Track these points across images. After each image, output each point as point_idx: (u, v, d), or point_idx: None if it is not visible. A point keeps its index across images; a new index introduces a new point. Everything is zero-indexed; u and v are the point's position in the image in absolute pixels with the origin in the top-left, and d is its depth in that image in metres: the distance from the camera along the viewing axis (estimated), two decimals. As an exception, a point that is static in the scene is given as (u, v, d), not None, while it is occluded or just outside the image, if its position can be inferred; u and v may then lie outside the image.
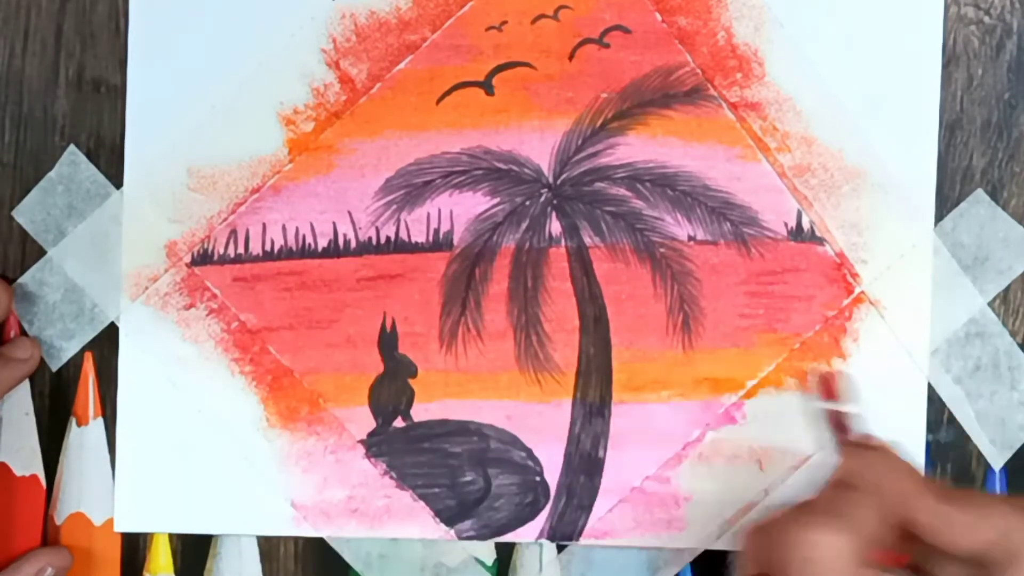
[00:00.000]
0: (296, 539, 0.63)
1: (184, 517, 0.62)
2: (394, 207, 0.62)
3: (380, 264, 0.62)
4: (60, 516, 0.62)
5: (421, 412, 0.62)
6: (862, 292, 0.61)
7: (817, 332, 0.61)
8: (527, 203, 0.62)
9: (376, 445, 0.62)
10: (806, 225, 0.61)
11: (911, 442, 0.61)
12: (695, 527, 0.61)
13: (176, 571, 0.63)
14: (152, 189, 0.62)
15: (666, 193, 0.61)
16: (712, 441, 0.61)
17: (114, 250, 0.62)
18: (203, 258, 0.62)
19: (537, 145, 0.61)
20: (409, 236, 0.62)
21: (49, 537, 0.63)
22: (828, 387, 0.55)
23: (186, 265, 0.62)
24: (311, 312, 0.62)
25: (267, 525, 0.62)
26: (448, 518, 0.62)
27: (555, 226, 0.61)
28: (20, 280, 0.63)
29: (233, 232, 0.62)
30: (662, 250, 0.61)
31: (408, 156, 0.62)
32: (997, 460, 0.62)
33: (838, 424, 0.54)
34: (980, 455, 0.62)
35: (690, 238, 0.61)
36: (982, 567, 0.50)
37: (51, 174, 0.63)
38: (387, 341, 0.62)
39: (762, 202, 0.61)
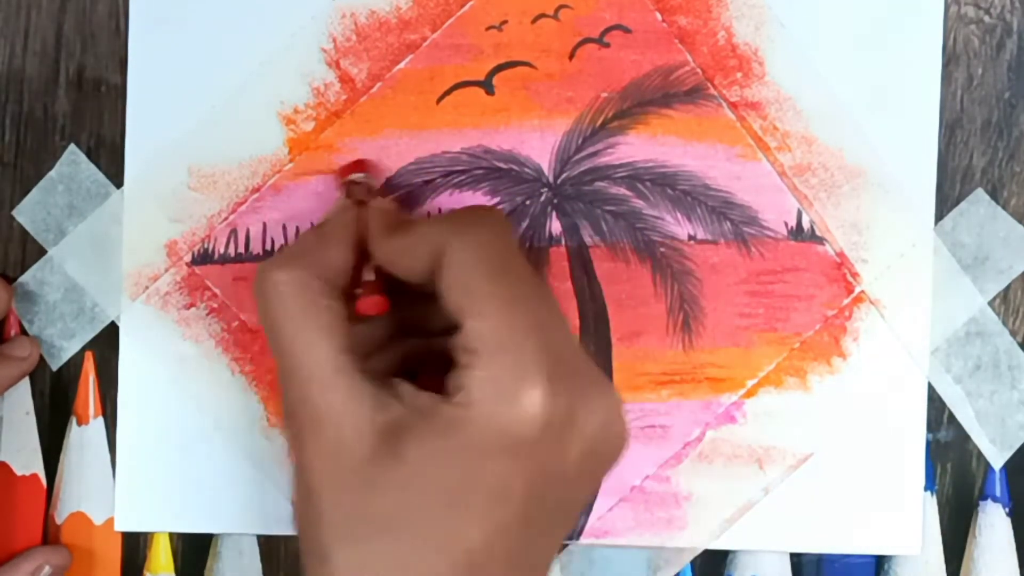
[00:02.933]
0: (296, 538, 0.63)
1: (184, 516, 0.62)
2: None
3: (380, 263, 0.62)
4: (60, 515, 0.63)
5: (421, 411, 0.62)
6: (862, 291, 0.61)
7: (817, 331, 0.61)
8: (527, 202, 0.62)
9: (376, 444, 0.62)
10: (806, 224, 0.61)
11: (911, 442, 0.61)
12: (695, 527, 0.62)
13: (176, 571, 0.63)
14: (152, 188, 0.62)
15: (666, 192, 0.61)
16: (712, 441, 0.62)
17: (114, 249, 0.62)
18: (203, 257, 0.62)
19: (537, 144, 0.61)
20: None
21: (49, 536, 0.63)
22: (348, 169, 0.59)
23: (186, 264, 0.62)
24: (311, 311, 0.62)
25: (268, 524, 0.62)
26: (448, 517, 0.62)
27: (555, 225, 0.61)
28: (20, 280, 0.63)
29: (233, 231, 0.62)
30: (662, 249, 0.61)
31: (408, 155, 0.62)
32: (997, 459, 0.62)
33: (348, 187, 0.58)
34: (980, 455, 0.62)
35: (690, 237, 0.61)
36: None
37: (51, 174, 0.63)
38: (387, 340, 0.62)
39: (762, 201, 0.61)
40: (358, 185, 0.58)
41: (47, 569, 0.61)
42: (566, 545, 0.62)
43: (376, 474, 0.50)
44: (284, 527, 0.62)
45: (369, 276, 0.54)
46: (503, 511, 0.50)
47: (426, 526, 0.50)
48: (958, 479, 0.62)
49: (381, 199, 0.58)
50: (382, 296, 0.54)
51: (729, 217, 0.61)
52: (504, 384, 0.49)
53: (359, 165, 0.60)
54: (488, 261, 0.51)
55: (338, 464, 0.50)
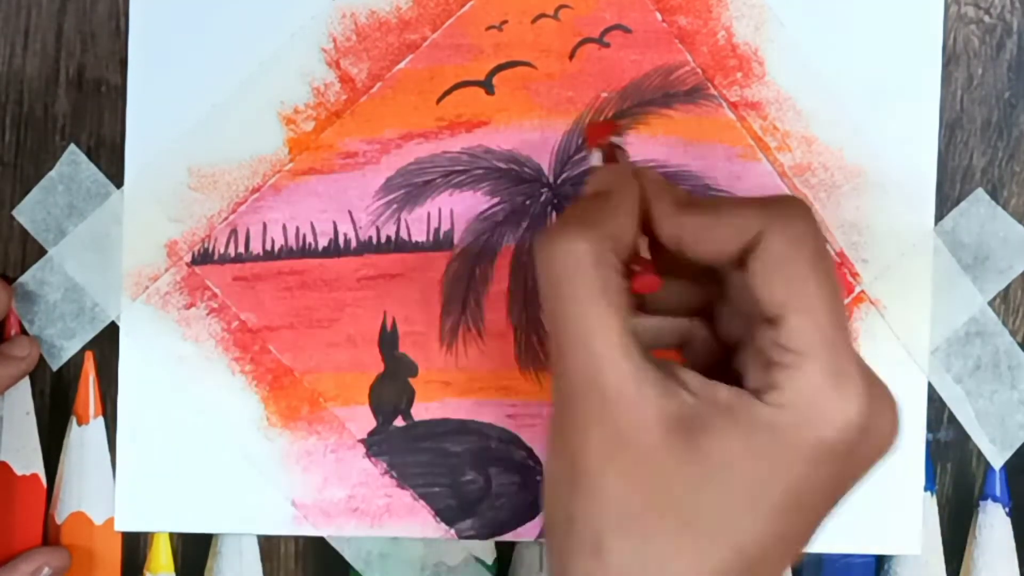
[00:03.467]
0: (296, 538, 0.63)
1: (184, 516, 0.62)
2: (394, 206, 0.62)
3: (380, 263, 0.62)
4: (60, 515, 0.63)
5: (421, 411, 0.62)
6: (862, 291, 0.61)
7: (817, 331, 0.61)
8: (527, 202, 0.62)
9: (376, 444, 0.62)
10: (806, 224, 0.61)
11: (911, 442, 0.61)
12: (695, 526, 0.61)
13: (176, 570, 0.63)
14: (153, 188, 0.62)
15: (666, 192, 0.61)
16: (712, 440, 0.61)
17: (114, 249, 0.62)
18: (203, 257, 0.62)
19: (537, 145, 0.61)
20: (409, 235, 0.62)
21: (50, 536, 0.63)
22: (598, 131, 0.55)
23: (186, 264, 0.62)
24: (311, 311, 0.62)
25: (267, 524, 0.62)
26: (448, 517, 0.62)
27: (555, 225, 0.61)
28: (20, 279, 0.63)
29: (233, 231, 0.62)
30: (662, 249, 0.61)
31: (408, 155, 0.62)
32: (997, 459, 0.62)
33: (607, 148, 0.54)
34: (980, 454, 0.62)
35: (690, 237, 0.61)
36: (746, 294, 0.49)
37: (51, 173, 0.63)
38: (387, 340, 0.62)
39: (762, 201, 0.61)
40: (622, 150, 0.54)
41: (46, 571, 0.61)
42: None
43: (670, 465, 0.47)
44: (284, 526, 0.62)
45: (645, 252, 0.51)
46: (795, 516, 0.48)
47: (714, 523, 0.47)
48: (958, 479, 0.62)
49: (650, 170, 0.54)
50: (657, 275, 0.50)
51: (729, 217, 0.61)
52: (825, 389, 0.47)
53: (612, 127, 0.56)
54: (811, 253, 0.48)
55: (624, 450, 0.47)
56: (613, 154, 0.55)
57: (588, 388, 0.48)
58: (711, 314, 0.53)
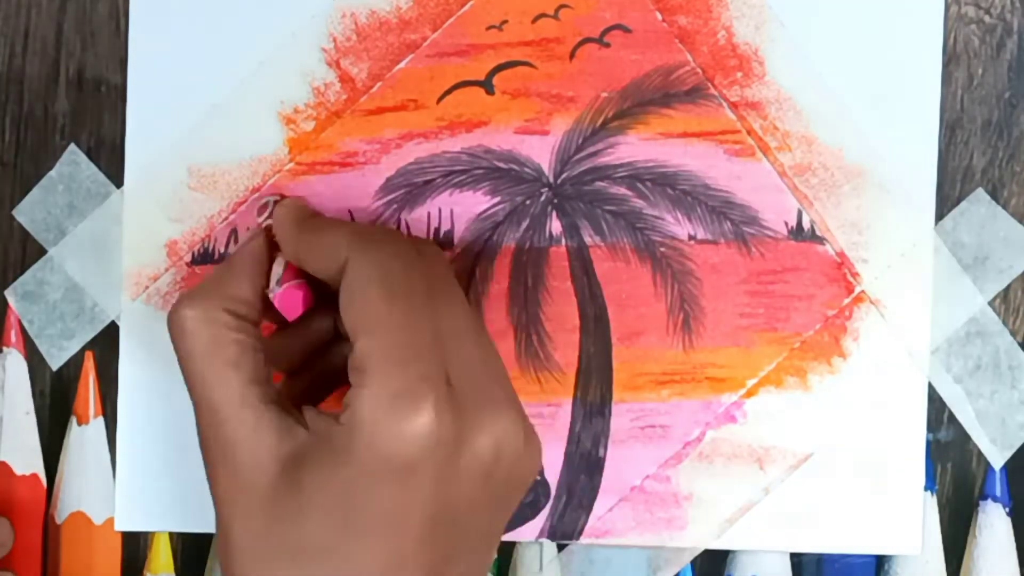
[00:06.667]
0: (296, 538, 0.63)
1: (184, 516, 0.62)
2: (395, 206, 0.62)
3: (380, 263, 0.62)
4: (60, 515, 0.62)
5: (421, 411, 0.62)
6: (862, 291, 0.61)
7: (817, 331, 0.61)
8: (527, 202, 0.62)
9: (376, 444, 0.62)
10: (806, 224, 0.61)
11: (911, 442, 0.61)
12: (695, 526, 0.61)
13: (176, 570, 0.63)
14: (153, 188, 0.62)
15: (666, 192, 0.61)
16: (712, 440, 0.61)
17: (114, 249, 0.62)
18: (204, 257, 0.62)
19: (537, 144, 0.61)
20: (410, 235, 0.62)
21: (50, 536, 0.63)
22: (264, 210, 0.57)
23: (187, 264, 0.62)
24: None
25: (267, 524, 0.62)
26: (448, 517, 0.62)
27: (555, 225, 0.61)
28: (20, 280, 0.63)
29: (234, 231, 0.62)
30: (662, 249, 0.61)
31: (408, 155, 0.62)
32: (997, 459, 0.62)
33: (259, 211, 0.57)
34: (980, 454, 0.62)
35: (690, 237, 0.61)
36: None
37: (51, 173, 0.63)
38: (387, 340, 0.62)
39: (762, 201, 0.61)
40: (266, 207, 0.57)
41: None
42: (566, 545, 0.62)
43: (277, 504, 0.50)
44: (284, 527, 0.62)
45: (278, 268, 0.55)
46: (399, 538, 0.49)
47: (324, 555, 0.49)
48: (958, 479, 0.62)
49: (293, 197, 0.58)
50: (302, 288, 0.55)
51: (729, 217, 0.61)
52: (386, 404, 0.49)
53: (262, 209, 0.59)
54: (385, 280, 0.51)
55: (245, 496, 0.51)
56: (259, 213, 0.57)
57: (213, 441, 0.52)
58: None
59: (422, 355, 0.50)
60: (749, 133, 0.61)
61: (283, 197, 0.58)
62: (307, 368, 0.58)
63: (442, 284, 0.53)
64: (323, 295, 0.55)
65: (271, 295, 0.55)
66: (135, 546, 0.63)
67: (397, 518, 0.49)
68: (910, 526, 0.61)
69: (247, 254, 0.55)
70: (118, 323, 0.62)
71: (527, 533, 0.62)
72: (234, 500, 0.51)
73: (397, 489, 0.49)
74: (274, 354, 0.56)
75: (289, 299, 0.55)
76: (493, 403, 0.51)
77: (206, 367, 0.52)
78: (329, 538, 0.49)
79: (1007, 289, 0.62)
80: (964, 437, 0.62)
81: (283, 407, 0.52)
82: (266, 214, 0.57)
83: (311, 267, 0.54)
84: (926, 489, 0.61)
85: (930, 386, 0.61)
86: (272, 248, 0.56)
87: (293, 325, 0.56)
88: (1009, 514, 0.62)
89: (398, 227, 0.62)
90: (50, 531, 0.63)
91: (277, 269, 0.55)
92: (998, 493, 0.62)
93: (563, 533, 0.62)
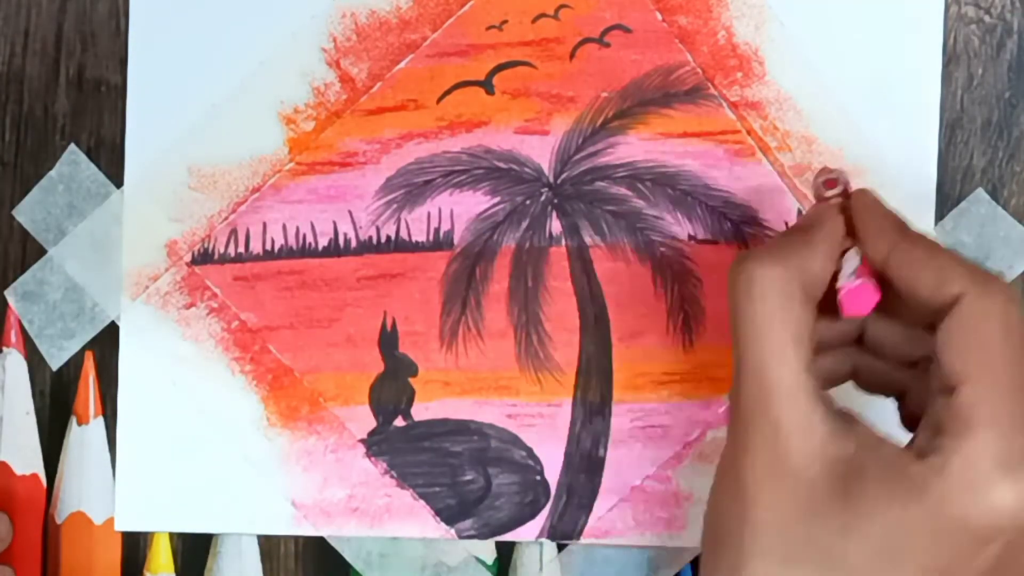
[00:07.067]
0: (296, 538, 0.63)
1: (185, 516, 0.62)
2: (394, 206, 0.62)
3: (380, 263, 0.62)
4: (60, 515, 0.62)
5: (421, 411, 0.62)
6: (862, 291, 0.61)
7: (817, 331, 0.61)
8: (527, 202, 0.62)
9: (376, 444, 0.62)
10: (806, 224, 0.61)
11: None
12: (695, 526, 0.61)
13: (176, 570, 0.63)
14: (152, 188, 0.62)
15: (666, 192, 0.61)
16: (712, 440, 0.61)
17: (114, 249, 0.62)
18: (203, 257, 0.62)
19: (537, 144, 0.61)
20: (409, 235, 0.62)
21: (50, 536, 0.63)
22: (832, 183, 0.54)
23: (186, 264, 0.62)
24: (311, 311, 0.62)
25: (267, 524, 0.62)
26: (448, 517, 0.62)
27: (555, 225, 0.61)
28: (20, 280, 0.63)
29: (233, 231, 0.62)
30: (662, 249, 0.61)
31: (408, 155, 0.62)
32: (997, 459, 0.62)
33: (826, 185, 0.54)
34: (980, 454, 0.62)
35: (691, 237, 0.61)
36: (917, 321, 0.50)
37: (51, 173, 0.63)
38: (387, 340, 0.62)
39: (763, 201, 0.61)
40: (836, 181, 0.54)
41: None
42: (566, 545, 0.62)
43: (822, 505, 0.48)
44: (284, 526, 0.62)
45: (855, 259, 0.52)
46: None
47: (858, 573, 0.48)
48: (958, 479, 0.62)
49: (867, 192, 0.54)
50: (877, 289, 0.51)
51: (729, 217, 0.61)
52: (988, 465, 0.46)
53: (835, 182, 0.55)
54: (1004, 329, 0.48)
55: (783, 481, 0.48)
56: (826, 190, 0.54)
57: (758, 414, 0.49)
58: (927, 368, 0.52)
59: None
60: (749, 133, 0.61)
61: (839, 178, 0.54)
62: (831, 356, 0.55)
63: None
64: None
65: (841, 285, 0.51)
66: (135, 546, 0.63)
67: (942, 571, 0.47)
68: (910, 526, 0.61)
69: (828, 232, 0.52)
70: (118, 323, 0.62)
71: (527, 533, 0.62)
72: (768, 480, 0.49)
73: (964, 550, 0.47)
74: None
75: (861, 296, 0.51)
76: None
77: (768, 336, 0.49)
78: (869, 567, 0.47)
79: (1007, 289, 0.62)
80: (964, 437, 0.62)
81: (832, 406, 0.50)
82: (837, 189, 0.53)
83: (903, 280, 0.50)
84: (926, 489, 0.61)
85: (930, 386, 0.61)
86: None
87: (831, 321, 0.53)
88: (1009, 514, 0.62)
89: (398, 227, 0.62)
90: (50, 531, 0.63)
91: (854, 259, 0.52)
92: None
93: (563, 533, 0.62)
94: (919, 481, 0.47)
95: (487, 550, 0.63)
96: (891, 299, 0.51)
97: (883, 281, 0.51)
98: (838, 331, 0.54)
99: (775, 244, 0.52)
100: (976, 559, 0.47)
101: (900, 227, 0.52)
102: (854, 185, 0.54)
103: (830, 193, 0.54)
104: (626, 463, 0.62)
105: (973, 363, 0.48)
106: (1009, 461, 0.47)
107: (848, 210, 0.53)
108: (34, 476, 0.63)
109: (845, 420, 0.50)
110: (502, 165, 0.61)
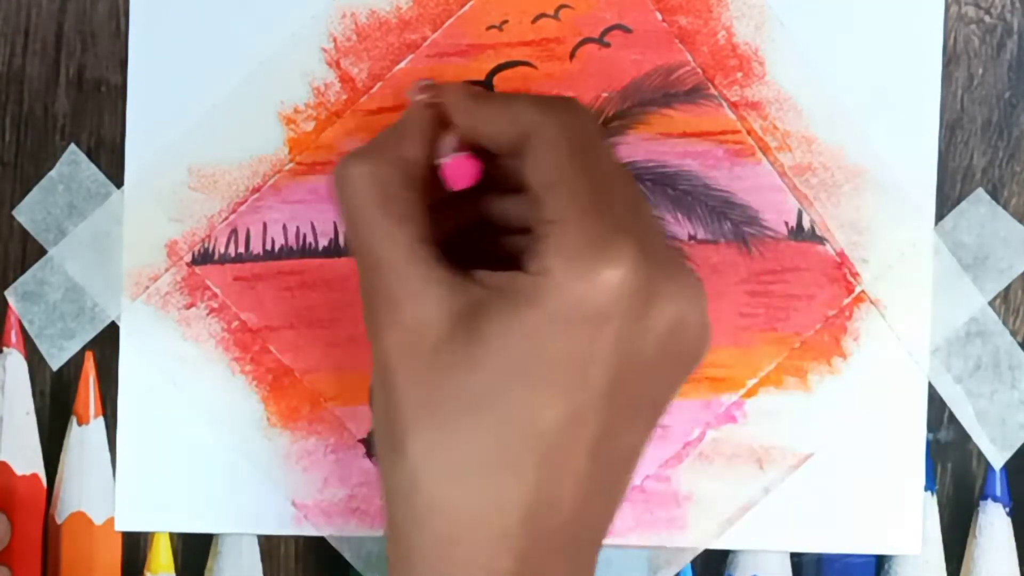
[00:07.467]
0: (297, 538, 0.63)
1: (185, 516, 0.62)
2: (395, 206, 0.62)
3: (381, 263, 0.62)
4: (61, 515, 0.63)
5: (422, 411, 0.62)
6: (862, 291, 0.61)
7: (817, 331, 0.61)
8: (527, 202, 0.62)
9: (376, 444, 0.62)
10: (807, 224, 0.61)
11: (911, 442, 0.61)
12: (695, 526, 0.62)
13: (177, 570, 0.63)
14: (153, 188, 0.62)
15: (666, 192, 0.61)
16: (712, 440, 0.62)
17: (115, 249, 0.62)
18: (204, 257, 0.62)
19: (537, 144, 0.61)
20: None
21: (50, 536, 0.63)
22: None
23: (187, 264, 0.62)
24: (312, 311, 0.62)
25: (268, 524, 0.62)
26: (449, 517, 0.62)
27: (555, 225, 0.61)
28: (20, 280, 0.63)
29: (234, 231, 0.62)
30: (662, 249, 0.61)
31: (408, 155, 0.62)
32: (997, 459, 0.62)
33: (420, 91, 0.56)
34: (980, 454, 0.62)
35: (690, 237, 0.61)
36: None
37: (51, 173, 0.63)
38: (387, 340, 0.62)
39: (763, 201, 0.61)
40: (427, 88, 0.56)
41: None
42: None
43: (453, 355, 0.48)
44: (285, 526, 0.62)
45: (451, 140, 0.53)
46: (581, 392, 0.48)
47: (503, 406, 0.48)
48: (958, 479, 0.62)
49: (451, 83, 0.57)
50: (471, 160, 0.53)
51: (729, 217, 0.61)
52: (584, 252, 0.47)
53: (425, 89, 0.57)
54: (578, 141, 0.50)
55: (415, 348, 0.49)
56: (420, 93, 0.56)
57: (380, 295, 0.50)
58: None
59: (616, 207, 0.49)
60: (749, 133, 0.61)
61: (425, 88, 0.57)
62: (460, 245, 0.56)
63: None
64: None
65: (440, 163, 0.53)
66: (135, 546, 0.63)
67: (582, 368, 0.48)
68: (910, 526, 0.61)
69: (416, 120, 0.54)
70: (118, 323, 0.62)
71: (527, 533, 0.62)
72: (403, 354, 0.49)
73: (586, 336, 0.47)
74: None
75: (460, 168, 0.53)
76: (681, 269, 0.49)
77: (374, 223, 0.51)
78: (505, 385, 0.48)
79: (1007, 289, 0.62)
80: (964, 437, 0.62)
81: (452, 266, 0.50)
82: (427, 94, 0.55)
83: (488, 137, 0.52)
84: (926, 489, 0.61)
85: (930, 386, 0.61)
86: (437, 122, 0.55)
87: (445, 202, 0.54)
88: (1009, 514, 0.62)
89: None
90: (50, 531, 0.63)
91: (451, 140, 0.54)
92: (998, 493, 0.62)
93: (563, 533, 0.62)
94: (529, 289, 0.48)
95: (487, 550, 0.62)
96: (502, 172, 0.53)
97: (487, 155, 0.53)
98: (462, 212, 0.56)
99: (369, 144, 0.53)
100: (609, 350, 0.48)
101: (477, 94, 0.54)
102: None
103: (419, 97, 0.55)
104: (626, 463, 0.62)
105: (552, 176, 0.49)
106: (601, 240, 0.47)
107: (442, 107, 0.55)
108: (34, 476, 0.63)
109: (469, 275, 0.50)
110: (502, 165, 0.61)
